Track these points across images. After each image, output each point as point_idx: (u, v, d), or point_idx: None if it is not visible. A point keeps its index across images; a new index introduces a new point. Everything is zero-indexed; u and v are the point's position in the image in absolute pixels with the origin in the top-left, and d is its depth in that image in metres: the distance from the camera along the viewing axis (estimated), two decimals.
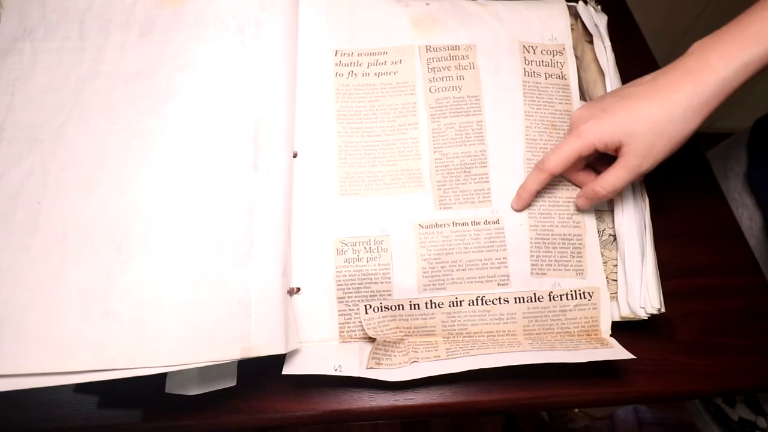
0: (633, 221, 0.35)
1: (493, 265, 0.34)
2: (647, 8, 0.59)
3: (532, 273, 0.35)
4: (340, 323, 0.34)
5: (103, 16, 0.34)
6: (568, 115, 0.38)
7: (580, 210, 0.36)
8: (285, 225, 0.33)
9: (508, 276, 0.34)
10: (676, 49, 0.35)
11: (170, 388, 0.29)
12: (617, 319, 0.35)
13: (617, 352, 0.32)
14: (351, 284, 0.34)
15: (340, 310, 0.34)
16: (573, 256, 0.35)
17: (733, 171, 0.47)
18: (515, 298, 0.34)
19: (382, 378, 0.31)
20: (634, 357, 0.31)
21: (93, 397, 0.33)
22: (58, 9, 0.35)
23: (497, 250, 0.35)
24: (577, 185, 0.36)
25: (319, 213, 0.35)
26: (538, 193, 0.35)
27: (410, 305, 0.34)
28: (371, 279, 0.34)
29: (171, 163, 0.30)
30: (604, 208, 0.37)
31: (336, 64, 0.39)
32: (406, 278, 0.34)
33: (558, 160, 0.33)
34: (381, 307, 0.34)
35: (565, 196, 0.36)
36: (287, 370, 0.31)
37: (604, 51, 0.40)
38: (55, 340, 0.26)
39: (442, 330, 0.34)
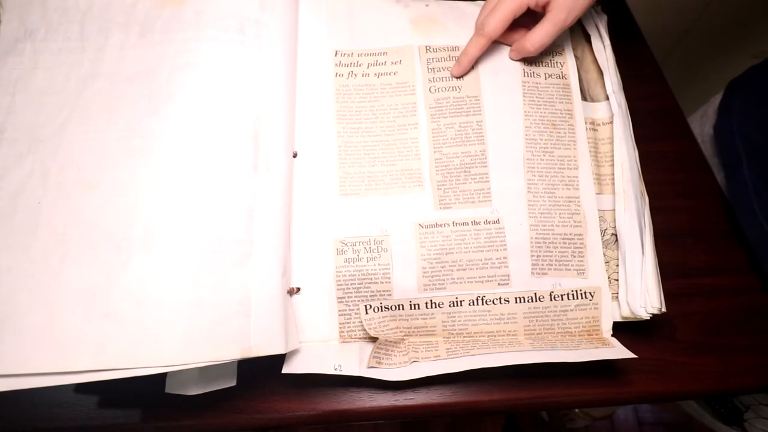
0: (634, 220, 0.35)
1: (493, 264, 0.34)
2: (647, 8, 0.59)
3: (532, 273, 0.35)
4: (340, 323, 0.34)
5: (104, 16, 0.35)
6: (568, 114, 0.38)
7: (511, 58, 0.39)
8: (285, 225, 0.33)
9: (508, 276, 0.34)
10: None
11: (170, 388, 0.29)
12: (618, 319, 0.35)
13: (618, 351, 0.32)
14: (351, 284, 0.34)
15: (340, 310, 0.34)
16: (574, 256, 0.35)
17: (709, 135, 0.48)
18: (516, 298, 0.34)
19: (382, 377, 0.31)
20: (635, 356, 0.31)
21: (93, 397, 0.33)
22: (59, 10, 0.35)
23: (497, 250, 0.35)
24: (508, 45, 0.39)
25: (319, 213, 0.35)
26: (538, 193, 0.36)
27: (410, 305, 0.34)
28: (371, 279, 0.34)
29: (171, 163, 0.30)
30: (605, 207, 0.37)
31: (336, 64, 0.39)
32: (406, 278, 0.34)
33: (496, 24, 0.36)
34: (381, 307, 0.34)
35: (566, 195, 0.36)
36: (287, 369, 0.31)
37: (603, 50, 0.40)
38: (55, 340, 0.26)
39: (443, 330, 0.34)
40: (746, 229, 0.40)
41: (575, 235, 0.36)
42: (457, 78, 0.38)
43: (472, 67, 0.38)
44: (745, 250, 0.41)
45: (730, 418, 0.56)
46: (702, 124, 0.50)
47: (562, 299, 0.35)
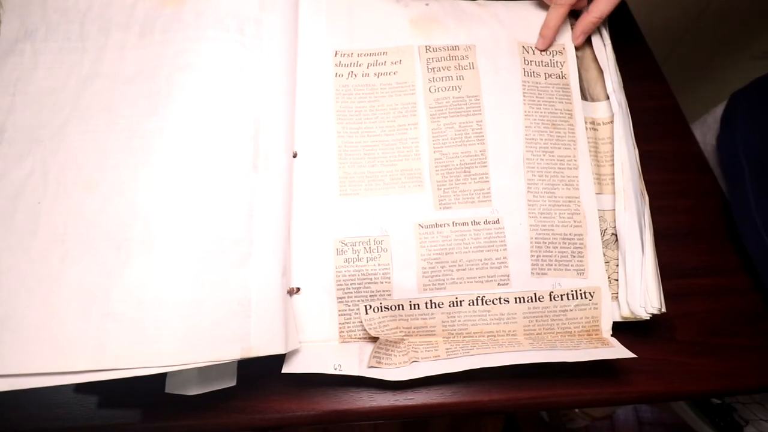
0: (634, 220, 0.35)
1: (493, 264, 0.34)
2: (647, 8, 0.59)
3: (532, 273, 0.35)
4: (340, 323, 0.34)
5: (104, 16, 0.35)
6: (568, 114, 0.38)
7: (576, 45, 0.40)
8: (285, 225, 0.33)
9: (508, 276, 0.34)
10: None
11: (170, 388, 0.29)
12: (618, 319, 0.35)
13: (618, 351, 0.32)
14: (351, 284, 0.34)
15: (340, 310, 0.34)
16: (574, 256, 0.35)
17: (711, 145, 0.48)
18: (515, 298, 0.34)
19: (382, 377, 0.31)
20: (635, 356, 0.31)
21: (93, 397, 0.33)
22: (59, 10, 0.35)
23: (497, 250, 0.35)
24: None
25: (319, 213, 0.35)
26: (538, 193, 0.36)
27: (410, 305, 0.34)
28: (371, 279, 0.34)
29: (171, 163, 0.30)
30: (605, 207, 0.37)
31: (336, 64, 0.39)
32: (406, 278, 0.34)
33: None
34: (381, 307, 0.34)
35: (566, 195, 0.36)
36: (287, 368, 0.31)
37: (603, 49, 0.40)
38: (55, 340, 0.26)
39: (442, 330, 0.34)
40: (746, 241, 0.40)
41: (575, 235, 0.36)
42: (541, 50, 0.39)
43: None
44: (745, 250, 0.41)
45: (729, 431, 0.56)
46: (702, 133, 0.50)
47: (561, 299, 0.35)
